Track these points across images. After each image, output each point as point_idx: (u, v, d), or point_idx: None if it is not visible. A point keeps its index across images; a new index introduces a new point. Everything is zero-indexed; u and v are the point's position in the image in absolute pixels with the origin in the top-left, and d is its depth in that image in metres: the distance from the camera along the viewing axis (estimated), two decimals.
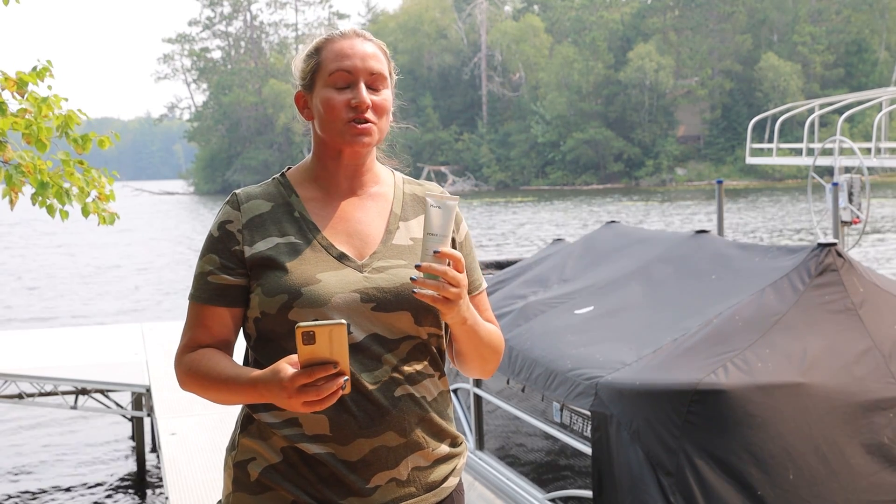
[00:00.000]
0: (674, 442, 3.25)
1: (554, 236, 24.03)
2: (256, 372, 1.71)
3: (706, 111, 66.56)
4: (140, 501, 7.96)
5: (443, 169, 66.39)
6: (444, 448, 1.89)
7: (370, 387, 1.78)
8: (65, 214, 4.70)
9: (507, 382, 4.47)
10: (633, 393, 3.44)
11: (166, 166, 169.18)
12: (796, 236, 26.33)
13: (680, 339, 3.68)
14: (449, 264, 1.70)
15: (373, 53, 1.88)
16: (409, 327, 1.82)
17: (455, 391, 5.34)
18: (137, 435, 8.53)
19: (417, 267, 1.70)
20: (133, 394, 8.25)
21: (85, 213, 4.81)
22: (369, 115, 1.84)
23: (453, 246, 1.92)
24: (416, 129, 2.13)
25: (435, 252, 1.69)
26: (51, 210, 4.65)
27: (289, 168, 1.97)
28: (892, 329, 3.55)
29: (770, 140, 13.20)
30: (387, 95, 1.88)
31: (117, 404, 8.56)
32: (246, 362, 1.90)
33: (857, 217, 9.06)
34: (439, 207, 1.72)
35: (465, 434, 5.19)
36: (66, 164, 4.68)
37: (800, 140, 12.68)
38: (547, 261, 5.52)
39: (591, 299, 4.56)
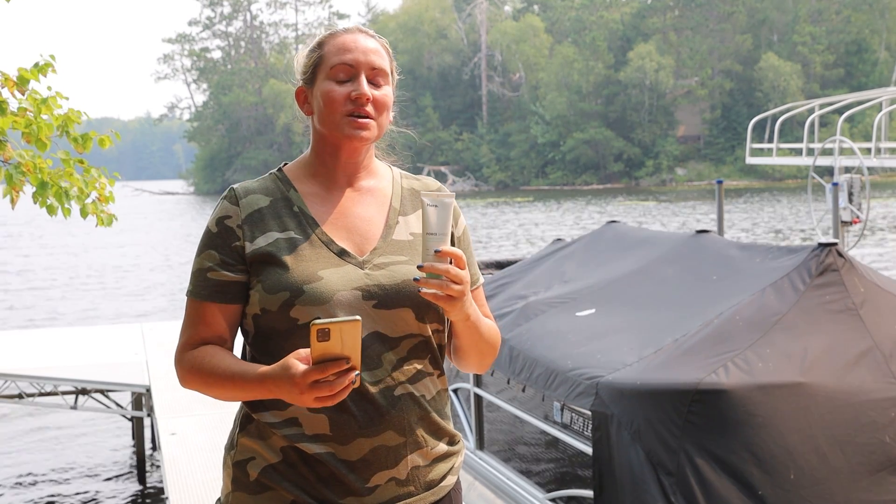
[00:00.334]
0: (674, 442, 3.25)
1: (554, 236, 24.00)
2: (264, 368, 1.70)
3: (706, 111, 66.56)
4: (140, 501, 7.95)
5: (443, 169, 66.38)
6: (443, 446, 1.89)
7: (370, 386, 1.78)
8: (67, 212, 4.69)
9: (508, 382, 4.46)
10: (633, 393, 3.44)
11: (166, 166, 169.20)
12: (795, 236, 26.33)
13: (681, 338, 3.67)
14: (451, 262, 1.70)
15: (375, 49, 1.87)
16: (411, 324, 1.82)
17: (455, 391, 5.33)
18: (137, 435, 8.52)
19: (420, 267, 1.69)
20: (133, 394, 8.25)
21: (84, 213, 4.80)
22: (369, 109, 1.83)
23: (452, 242, 1.92)
24: (413, 135, 2.12)
25: (436, 251, 1.69)
26: (51, 210, 4.64)
27: (285, 163, 1.96)
28: (893, 329, 3.55)
29: (770, 140, 13.19)
30: (387, 91, 1.87)
31: (117, 404, 8.56)
32: (243, 359, 1.88)
33: (857, 217, 9.06)
34: (436, 206, 1.72)
35: (465, 434, 5.19)
36: (67, 163, 4.67)
37: (800, 140, 12.68)
38: (547, 261, 5.52)
39: (592, 300, 4.56)
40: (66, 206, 4.69)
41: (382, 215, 1.90)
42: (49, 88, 4.63)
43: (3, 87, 4.45)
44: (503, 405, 4.66)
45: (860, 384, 3.32)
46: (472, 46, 74.53)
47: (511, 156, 67.54)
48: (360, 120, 1.83)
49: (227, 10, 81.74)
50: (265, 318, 1.80)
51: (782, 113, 12.84)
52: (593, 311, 4.42)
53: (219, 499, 1.92)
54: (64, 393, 8.37)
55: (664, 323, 3.94)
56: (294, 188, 1.89)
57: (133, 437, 9.18)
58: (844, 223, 9.08)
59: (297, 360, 1.64)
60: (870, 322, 3.53)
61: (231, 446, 1.88)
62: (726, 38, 67.81)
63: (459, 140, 70.05)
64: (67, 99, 4.65)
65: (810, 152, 11.38)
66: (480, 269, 7.06)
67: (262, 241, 1.82)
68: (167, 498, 5.18)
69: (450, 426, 1.91)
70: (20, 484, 8.43)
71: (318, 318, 1.75)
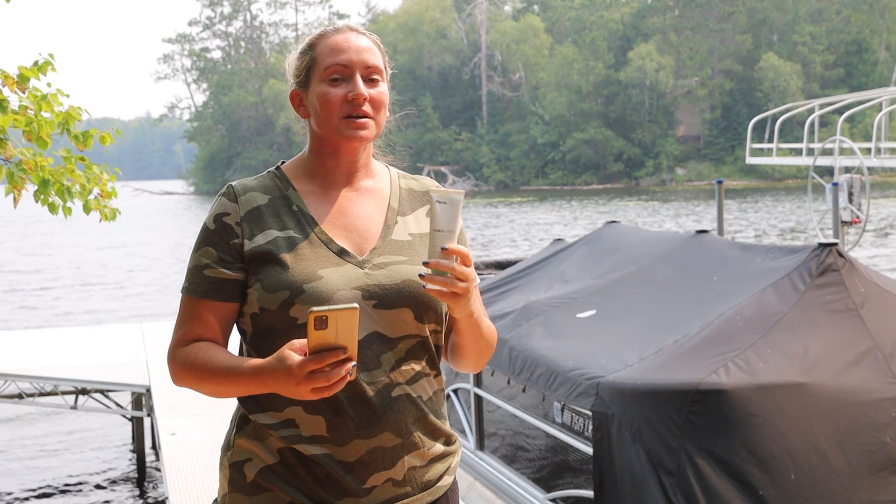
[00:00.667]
0: (675, 442, 3.25)
1: (554, 236, 24.04)
2: (258, 360, 1.69)
3: (706, 111, 66.56)
4: (140, 501, 7.95)
5: (443, 169, 66.37)
6: (439, 447, 1.88)
7: (368, 387, 1.77)
8: (67, 211, 4.69)
9: (508, 382, 4.46)
10: (634, 393, 3.44)
11: (166, 166, 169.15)
12: (793, 235, 26.33)
13: (681, 339, 3.67)
14: (457, 260, 1.70)
15: (367, 47, 1.86)
16: (410, 324, 1.81)
17: (455, 391, 5.33)
18: (137, 435, 8.52)
19: (426, 264, 1.69)
20: (133, 394, 8.25)
21: (86, 209, 4.81)
22: (366, 108, 1.83)
23: None
24: (413, 115, 2.12)
25: (443, 249, 1.68)
26: (52, 208, 4.64)
27: (283, 162, 1.95)
28: (893, 329, 3.55)
29: (770, 140, 13.19)
30: (383, 89, 1.86)
31: (117, 404, 8.56)
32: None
33: (858, 217, 9.06)
34: (445, 203, 1.71)
35: (465, 434, 5.19)
36: (68, 160, 4.67)
37: (800, 140, 12.68)
38: (547, 261, 5.52)
39: (592, 300, 4.56)
40: (69, 204, 4.69)
41: (381, 215, 1.89)
42: (49, 85, 4.63)
43: (3, 86, 4.45)
44: (503, 405, 4.66)
45: (860, 384, 3.32)
46: (472, 46, 74.52)
47: (511, 156, 67.53)
48: (359, 120, 1.82)
49: (227, 10, 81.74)
50: (264, 317, 1.79)
51: (782, 113, 12.84)
52: (594, 312, 4.42)
53: (215, 500, 1.91)
54: (64, 393, 8.37)
55: (664, 323, 3.94)
56: (293, 187, 1.88)
57: (133, 437, 9.18)
58: (844, 223, 9.09)
59: (293, 351, 1.62)
60: (870, 322, 3.53)
61: (228, 447, 1.87)
62: (726, 38, 67.81)
63: (459, 140, 70.04)
64: (68, 96, 4.65)
65: (810, 152, 11.38)
66: (481, 269, 7.06)
67: (261, 240, 1.81)
68: (167, 498, 5.18)
69: (446, 426, 1.91)
70: (20, 484, 8.43)
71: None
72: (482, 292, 5.27)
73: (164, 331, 10.01)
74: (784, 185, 56.69)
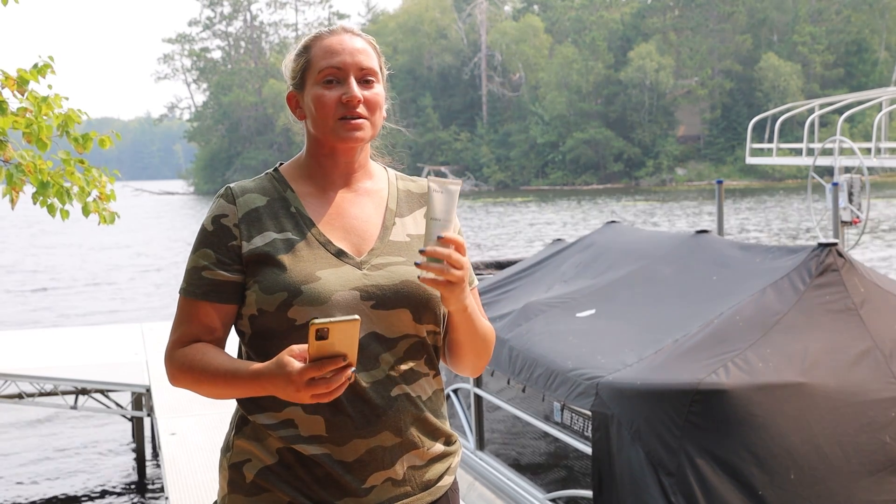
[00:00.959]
0: (675, 442, 3.25)
1: (554, 236, 24.00)
2: (258, 365, 1.70)
3: (706, 111, 66.56)
4: (140, 501, 7.96)
5: (443, 169, 66.35)
6: (439, 447, 1.88)
7: (367, 387, 1.77)
8: (65, 214, 4.69)
9: (508, 382, 4.47)
10: (634, 393, 3.44)
11: (166, 166, 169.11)
12: (793, 235, 26.33)
13: (681, 339, 3.67)
14: (452, 249, 1.70)
15: (362, 49, 1.86)
16: (409, 325, 1.82)
17: (455, 391, 5.33)
18: (137, 435, 8.52)
19: (422, 252, 1.69)
20: (133, 394, 8.25)
21: (85, 212, 4.81)
22: (361, 110, 1.83)
23: None
24: (407, 133, 2.11)
25: (438, 237, 1.69)
26: (51, 209, 4.65)
27: (281, 164, 1.95)
28: (893, 329, 3.55)
29: (770, 140, 13.20)
30: (378, 90, 1.87)
31: (117, 404, 8.56)
32: (239, 358, 1.88)
33: (857, 217, 9.06)
34: (442, 192, 1.72)
35: (465, 434, 5.19)
36: (67, 163, 4.67)
37: (800, 140, 12.68)
38: (547, 261, 5.52)
39: (592, 300, 4.56)
40: (67, 206, 4.69)
41: (379, 216, 1.90)
42: (49, 87, 4.63)
43: (3, 88, 4.45)
44: (503, 405, 4.66)
45: (860, 384, 3.32)
46: (472, 46, 74.52)
47: (511, 156, 67.53)
48: (353, 122, 1.82)
49: (227, 10, 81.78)
50: (262, 319, 1.79)
51: (782, 113, 12.84)
52: (593, 311, 4.42)
53: (215, 501, 1.91)
54: (64, 393, 8.37)
55: (664, 323, 3.94)
56: (291, 188, 1.88)
57: (133, 437, 9.18)
58: (844, 223, 9.09)
59: (292, 358, 1.63)
60: (870, 322, 3.53)
61: (227, 448, 1.88)
62: (726, 38, 67.81)
63: (459, 140, 70.04)
64: (67, 99, 4.65)
65: (810, 152, 11.38)
66: (481, 269, 7.06)
67: (259, 241, 1.81)
68: (167, 498, 5.18)
69: (446, 426, 1.91)
70: (20, 484, 8.43)
71: (317, 318, 1.75)
72: (482, 292, 5.27)
73: (164, 331, 10.00)
74: (784, 185, 56.69)
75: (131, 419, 9.12)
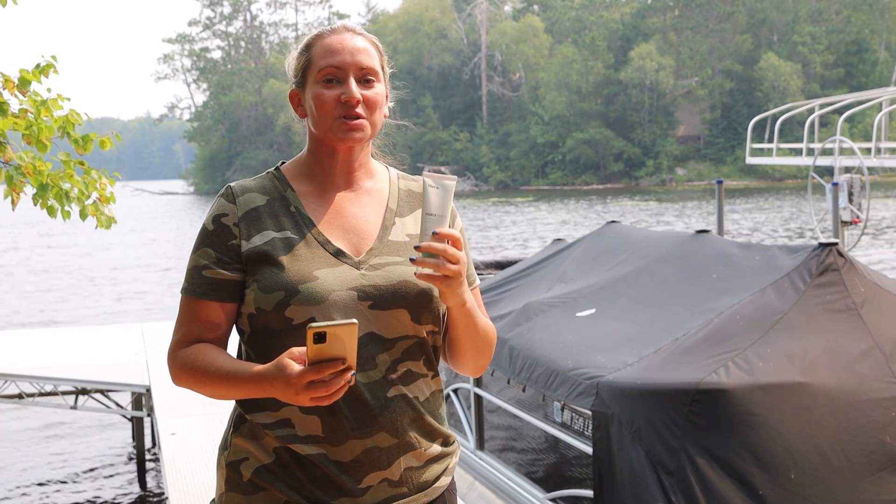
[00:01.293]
0: (675, 441, 3.25)
1: (554, 236, 24.05)
2: (259, 367, 1.70)
3: (706, 111, 66.56)
4: (140, 501, 7.96)
5: (443, 169, 66.34)
6: (437, 448, 1.88)
7: (363, 388, 1.77)
8: (66, 215, 4.69)
9: (508, 382, 4.47)
10: (634, 392, 3.44)
11: (166, 166, 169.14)
12: (793, 235, 26.34)
13: (681, 338, 3.68)
14: (448, 244, 1.70)
15: (363, 48, 1.87)
16: (407, 325, 1.82)
17: (455, 391, 5.33)
18: (137, 435, 8.52)
19: (417, 248, 1.69)
20: (133, 394, 8.25)
21: (83, 215, 4.80)
22: (360, 110, 1.83)
23: None
24: (413, 127, 2.11)
25: (434, 233, 1.69)
26: (51, 211, 4.64)
27: (283, 163, 1.96)
28: (893, 329, 3.55)
29: (770, 140, 13.20)
30: (378, 90, 1.87)
31: (117, 404, 8.56)
32: (238, 357, 1.88)
33: (858, 217, 9.07)
34: (438, 188, 1.72)
35: (465, 434, 5.19)
36: (67, 164, 4.67)
37: (800, 140, 12.68)
38: (547, 261, 5.52)
39: (592, 300, 4.56)
40: (67, 208, 4.68)
41: (379, 216, 1.90)
42: (49, 90, 4.62)
43: (3, 89, 4.45)
44: (503, 405, 4.66)
45: (861, 384, 3.32)
46: (472, 46, 74.52)
47: (511, 156, 67.53)
48: (352, 121, 1.83)
49: (227, 10, 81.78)
50: (260, 318, 1.79)
51: (782, 113, 12.85)
52: (593, 311, 4.42)
53: (213, 500, 1.92)
54: (64, 393, 8.37)
55: (664, 323, 3.94)
56: (291, 188, 1.89)
57: (133, 437, 9.18)
58: (844, 223, 9.10)
59: (292, 360, 1.64)
60: (870, 322, 3.53)
61: (225, 447, 1.88)
62: (726, 38, 67.81)
63: (459, 140, 70.04)
64: (69, 100, 4.65)
65: (810, 152, 11.39)
66: (481, 268, 7.06)
67: (258, 240, 1.82)
68: (167, 498, 5.18)
69: (444, 427, 1.91)
70: (20, 484, 8.44)
71: (314, 318, 1.75)
72: (482, 292, 5.27)
73: (164, 331, 10.01)
74: (784, 185, 56.69)
75: (131, 419, 9.12)
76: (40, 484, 8.46)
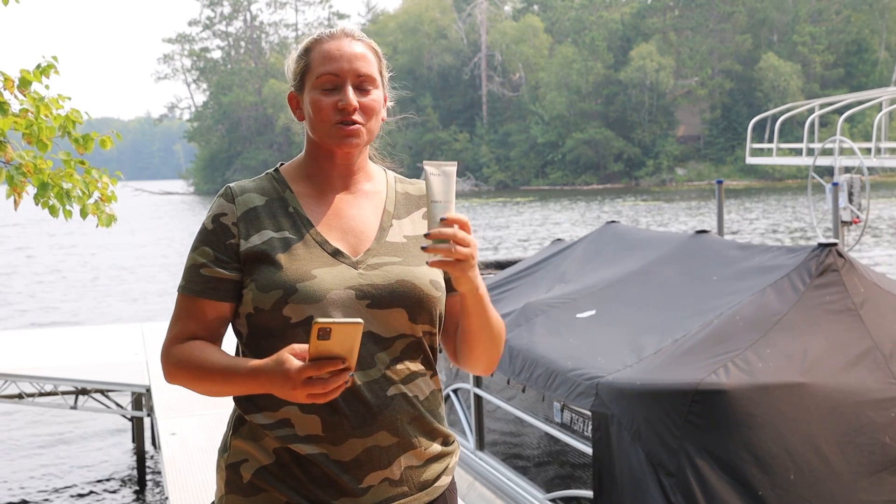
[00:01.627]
0: (675, 442, 3.26)
1: (554, 236, 23.98)
2: (256, 361, 1.71)
3: (706, 111, 66.55)
4: (140, 501, 7.96)
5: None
6: (437, 447, 1.89)
7: (363, 386, 1.78)
8: (68, 214, 4.68)
9: (508, 382, 4.47)
10: (633, 393, 3.44)
11: (166, 166, 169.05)
12: (793, 236, 26.33)
13: (681, 339, 3.68)
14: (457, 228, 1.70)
15: (361, 54, 1.88)
16: (404, 324, 1.82)
17: (455, 391, 5.34)
18: (137, 435, 8.53)
19: (427, 235, 1.69)
20: (133, 394, 8.25)
21: (83, 214, 4.80)
22: (357, 116, 1.84)
23: None
24: (415, 116, 2.11)
25: (442, 219, 1.69)
26: (53, 210, 4.64)
27: (282, 164, 1.97)
28: (893, 329, 3.55)
29: (770, 140, 13.20)
30: (376, 96, 1.88)
31: (117, 404, 8.56)
32: None
33: (858, 217, 9.07)
34: (439, 174, 1.72)
35: (465, 434, 5.19)
36: (68, 164, 4.67)
37: (800, 140, 12.68)
38: (547, 261, 5.52)
39: (592, 300, 4.57)
40: (68, 207, 4.68)
41: (377, 218, 1.91)
42: (47, 88, 4.62)
43: (3, 89, 4.45)
44: (503, 405, 4.66)
45: (860, 384, 3.32)
46: (472, 46, 74.52)
47: (511, 156, 67.52)
48: (349, 127, 1.84)
49: (227, 10, 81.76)
50: (258, 317, 1.80)
51: (782, 113, 12.85)
52: (593, 312, 4.42)
53: (213, 502, 1.92)
54: (64, 393, 8.38)
55: (664, 323, 3.94)
56: (290, 189, 1.90)
57: (133, 437, 9.18)
58: (844, 223, 9.10)
59: (292, 356, 1.65)
60: (870, 322, 3.53)
61: (224, 448, 1.88)
62: (726, 38, 67.80)
63: (459, 140, 70.04)
64: (69, 99, 4.65)
65: (810, 152, 11.39)
66: (481, 268, 7.06)
67: (256, 240, 1.83)
68: (167, 498, 5.19)
69: (444, 427, 1.91)
70: (20, 484, 8.44)
71: (312, 317, 1.76)
72: None
73: (164, 331, 9.96)
74: (784, 185, 56.69)
75: (131, 419, 9.12)
76: (40, 484, 8.46)
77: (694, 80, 66.45)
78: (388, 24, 76.27)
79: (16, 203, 4.51)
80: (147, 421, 8.32)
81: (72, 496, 8.11)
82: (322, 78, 1.85)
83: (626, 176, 65.48)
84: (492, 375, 4.74)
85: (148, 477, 8.41)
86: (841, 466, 3.18)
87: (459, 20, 75.47)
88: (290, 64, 1.94)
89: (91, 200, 4.75)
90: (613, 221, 5.76)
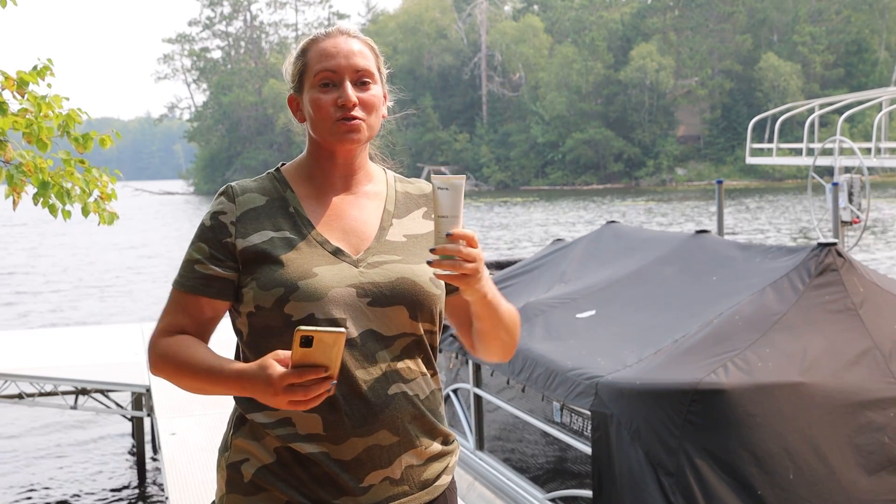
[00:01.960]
0: (674, 442, 3.26)
1: (554, 236, 24.03)
2: (241, 364, 1.72)
3: (706, 111, 66.56)
4: (140, 501, 7.96)
5: (443, 169, 66.29)
6: (437, 446, 1.89)
7: (364, 385, 1.78)
8: (67, 214, 4.69)
9: (508, 382, 4.47)
10: (633, 393, 3.45)
11: (166, 166, 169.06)
12: (793, 235, 26.34)
13: (680, 339, 3.68)
14: (462, 244, 1.71)
15: (358, 50, 1.88)
16: (405, 323, 1.83)
17: (455, 391, 5.34)
18: (137, 435, 8.53)
19: (432, 250, 1.70)
20: (133, 394, 8.25)
21: (84, 212, 4.80)
22: (357, 112, 1.85)
23: None
24: (416, 112, 2.12)
25: (448, 234, 1.70)
26: (53, 210, 4.65)
27: (283, 164, 1.97)
28: (893, 329, 3.55)
29: (770, 140, 13.20)
30: (375, 91, 1.88)
31: (117, 404, 8.57)
32: (237, 359, 1.89)
33: (858, 217, 9.07)
34: (447, 189, 1.73)
35: (465, 434, 5.19)
36: (67, 163, 4.67)
37: (800, 140, 12.68)
38: (547, 261, 5.52)
39: (592, 300, 4.57)
40: (68, 207, 4.69)
41: (377, 217, 1.92)
42: (49, 87, 4.62)
43: (3, 89, 4.45)
44: (503, 405, 4.66)
45: (860, 384, 3.32)
46: (472, 46, 74.53)
47: (511, 156, 67.53)
48: (350, 123, 1.84)
49: (227, 10, 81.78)
50: (259, 316, 1.80)
51: (782, 113, 12.85)
52: (593, 312, 4.43)
53: (213, 501, 1.92)
54: (64, 393, 8.38)
55: (664, 323, 3.95)
56: (291, 189, 1.91)
57: (133, 437, 9.18)
58: (844, 223, 9.09)
59: (276, 361, 1.65)
60: (869, 322, 3.53)
61: (225, 448, 1.89)
62: (726, 38, 67.80)
63: (458, 140, 70.04)
64: (68, 99, 4.65)
65: (810, 152, 11.39)
66: None
67: (255, 239, 1.83)
68: (167, 498, 5.19)
69: (444, 426, 1.92)
70: (20, 484, 8.44)
71: (313, 314, 1.77)
72: None
73: None
74: (784, 185, 56.69)
75: (131, 419, 9.13)
76: (40, 484, 8.46)
77: (694, 80, 66.46)
78: (387, 24, 76.29)
79: (14, 203, 4.51)
80: (147, 421, 8.32)
81: (71, 497, 8.11)
82: (320, 76, 1.86)
83: (626, 176, 65.47)
84: (491, 375, 4.74)
85: (148, 477, 8.42)
86: (840, 466, 3.18)
87: (459, 20, 75.49)
88: (287, 66, 1.95)
89: (91, 199, 4.75)
90: (613, 221, 5.76)
